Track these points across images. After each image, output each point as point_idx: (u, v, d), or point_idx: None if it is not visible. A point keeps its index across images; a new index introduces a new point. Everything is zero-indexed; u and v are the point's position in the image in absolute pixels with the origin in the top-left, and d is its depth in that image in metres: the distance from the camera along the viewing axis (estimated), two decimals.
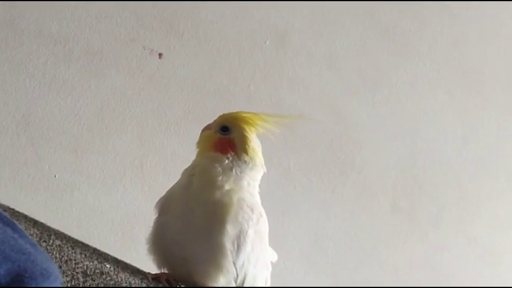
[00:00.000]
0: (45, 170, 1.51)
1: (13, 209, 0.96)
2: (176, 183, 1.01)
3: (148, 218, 1.02)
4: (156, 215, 1.01)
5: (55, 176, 1.52)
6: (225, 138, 1.00)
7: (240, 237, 0.94)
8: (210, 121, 1.03)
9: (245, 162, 0.99)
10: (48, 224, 0.98)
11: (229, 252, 0.94)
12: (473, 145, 1.82)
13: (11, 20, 1.53)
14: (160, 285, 0.93)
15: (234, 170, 0.97)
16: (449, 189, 1.79)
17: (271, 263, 1.06)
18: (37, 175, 1.51)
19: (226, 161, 0.98)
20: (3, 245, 0.53)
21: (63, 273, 0.81)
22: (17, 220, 0.88)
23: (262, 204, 1.01)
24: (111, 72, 1.57)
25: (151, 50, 1.61)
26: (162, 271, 0.99)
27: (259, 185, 1.02)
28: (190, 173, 0.99)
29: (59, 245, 0.87)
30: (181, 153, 1.57)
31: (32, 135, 1.51)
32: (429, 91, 1.79)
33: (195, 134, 1.47)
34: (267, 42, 1.68)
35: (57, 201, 1.51)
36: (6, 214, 0.58)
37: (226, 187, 0.96)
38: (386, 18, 1.78)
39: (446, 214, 1.78)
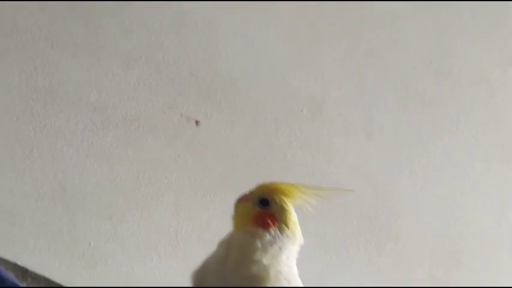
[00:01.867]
0: (80, 237, 1.51)
1: (48, 279, 0.95)
2: (212, 255, 1.00)
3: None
4: (192, 286, 1.00)
5: (90, 243, 1.52)
6: (266, 213, 0.98)
7: None
8: (246, 190, 1.02)
9: (287, 236, 0.97)
10: None
11: None
12: (510, 215, 1.79)
13: (50, 87, 1.55)
14: None
15: (274, 245, 0.96)
16: (486, 260, 1.77)
17: None
18: (72, 243, 1.50)
19: (268, 236, 0.96)
20: None
21: None
22: None
23: (298, 275, 1.00)
24: (148, 139, 1.58)
25: (189, 118, 1.62)
26: None
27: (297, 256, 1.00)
28: (227, 247, 0.97)
29: None
30: (217, 222, 1.56)
31: (67, 202, 1.51)
32: (466, 160, 1.78)
33: (230, 203, 1.46)
34: (304, 111, 1.68)
35: (92, 269, 1.50)
36: None
37: (264, 262, 0.94)
38: (423, 87, 1.77)
39: (484, 285, 1.75)
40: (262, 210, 0.98)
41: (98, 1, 1.60)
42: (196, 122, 1.62)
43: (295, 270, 0.99)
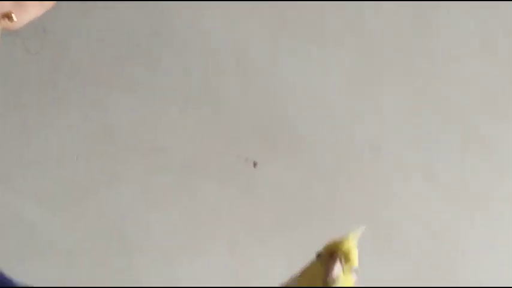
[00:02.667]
0: (138, 281, 1.51)
1: None
2: None
3: None
4: None
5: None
6: None
7: None
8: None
9: None
10: None
11: None
12: None
13: (109, 129, 1.56)
14: None
15: None
16: None
17: None
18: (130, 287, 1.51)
19: None
20: None
21: None
22: None
23: None
24: (205, 181, 1.57)
25: (247, 159, 1.61)
26: None
27: None
28: None
29: None
30: (273, 265, 1.54)
31: (124, 245, 1.52)
32: None
33: (287, 245, 1.44)
34: (363, 155, 1.66)
35: None
36: None
37: None
38: (485, 129, 1.74)
39: None
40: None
41: (158, 41, 1.62)
42: (254, 164, 1.61)
43: None
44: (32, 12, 0.55)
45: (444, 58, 1.75)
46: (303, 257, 0.99)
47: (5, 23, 0.54)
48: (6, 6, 0.53)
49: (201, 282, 1.53)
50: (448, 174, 1.70)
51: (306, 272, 0.92)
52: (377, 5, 1.69)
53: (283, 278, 0.99)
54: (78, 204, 1.53)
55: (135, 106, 1.58)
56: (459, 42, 1.75)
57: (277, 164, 1.63)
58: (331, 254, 0.89)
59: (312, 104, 1.68)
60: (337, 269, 0.87)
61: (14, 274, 0.60)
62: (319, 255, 0.91)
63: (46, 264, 1.55)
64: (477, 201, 1.70)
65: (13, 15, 0.54)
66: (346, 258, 0.88)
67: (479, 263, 1.68)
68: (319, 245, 0.98)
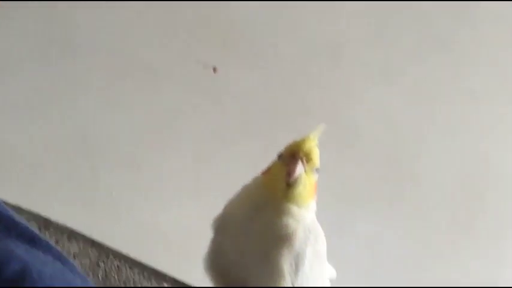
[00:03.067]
0: (102, 187, 1.52)
1: (71, 229, 0.96)
2: (233, 202, 1.00)
3: (205, 235, 1.01)
4: (213, 234, 1.00)
5: (112, 193, 1.53)
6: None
7: (298, 258, 0.93)
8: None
9: None
10: (106, 242, 0.98)
11: (287, 274, 0.92)
12: None
13: (67, 36, 1.54)
14: None
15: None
16: (510, 203, 1.76)
17: (330, 280, 1.05)
18: (94, 193, 1.51)
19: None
20: (51, 280, 0.52)
21: None
22: (76, 240, 0.88)
23: (319, 220, 0.99)
24: (167, 87, 1.57)
25: (206, 64, 1.61)
26: None
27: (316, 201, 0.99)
28: (261, 204, 0.93)
29: (118, 266, 0.87)
30: (237, 168, 1.56)
31: (89, 152, 1.52)
32: (488, 100, 1.76)
33: (250, 150, 1.46)
34: (324, 57, 1.67)
35: (115, 219, 1.51)
36: (58, 247, 0.57)
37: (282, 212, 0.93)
38: (442, 28, 1.75)
39: (507, 229, 1.74)
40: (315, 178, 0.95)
41: None
42: (214, 69, 1.61)
43: (314, 217, 0.98)
44: None
45: None
46: (267, 160, 1.01)
47: None
48: None
49: (167, 186, 1.55)
50: (408, 73, 1.72)
51: (268, 173, 0.94)
52: None
53: (247, 180, 1.01)
54: (41, 113, 1.52)
55: (95, 15, 1.57)
56: None
57: (237, 69, 1.63)
58: (292, 155, 0.91)
59: (270, 7, 1.67)
60: (299, 168, 0.90)
61: None
62: (280, 156, 0.93)
63: (9, 177, 1.55)
64: (435, 98, 1.73)
65: None
66: (308, 158, 0.90)
67: (439, 158, 1.72)
68: (281, 147, 1.00)
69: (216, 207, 1.02)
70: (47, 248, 0.56)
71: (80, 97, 1.53)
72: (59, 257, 0.56)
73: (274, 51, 1.65)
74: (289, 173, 0.90)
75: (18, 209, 0.94)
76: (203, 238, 1.02)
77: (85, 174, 1.51)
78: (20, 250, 0.53)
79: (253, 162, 1.01)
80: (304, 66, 1.66)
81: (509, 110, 1.77)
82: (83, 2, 1.57)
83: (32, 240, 0.55)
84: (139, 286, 0.84)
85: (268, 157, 1.01)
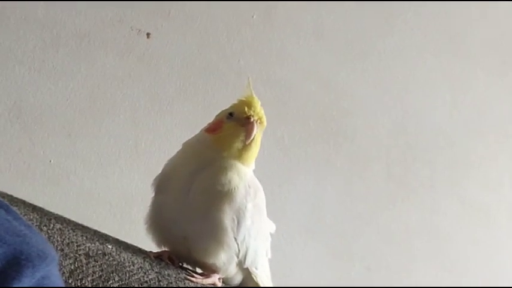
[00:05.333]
0: (40, 155, 1.52)
1: (11, 196, 0.96)
2: (174, 160, 1.01)
3: (145, 198, 1.03)
4: (154, 194, 1.01)
5: (50, 161, 1.52)
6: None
7: (239, 212, 0.95)
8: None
9: None
10: (47, 209, 0.98)
11: (229, 229, 0.95)
12: (463, 108, 1.82)
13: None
14: (163, 264, 0.94)
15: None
16: (441, 153, 1.80)
17: (270, 234, 1.07)
18: (32, 161, 1.51)
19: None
20: None
21: (66, 255, 0.82)
22: (16, 206, 0.88)
23: (259, 177, 1.02)
24: (100, 54, 1.57)
25: (139, 30, 1.61)
26: (164, 249, 1.00)
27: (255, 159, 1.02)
28: (207, 161, 0.97)
29: (60, 229, 0.88)
30: (175, 131, 1.57)
31: (24, 121, 1.51)
32: (417, 56, 1.79)
33: (187, 112, 1.47)
34: (254, 17, 1.68)
35: (54, 186, 1.52)
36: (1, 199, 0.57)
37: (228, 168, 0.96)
38: None
39: (440, 177, 1.79)
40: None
41: None
42: (147, 35, 1.61)
43: (252, 173, 1.01)
44: None
45: None
46: (203, 121, 1.03)
47: None
48: None
49: (105, 153, 1.55)
50: (338, 30, 1.74)
51: (220, 132, 0.97)
52: None
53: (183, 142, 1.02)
54: None
55: None
56: None
57: (170, 33, 1.63)
58: (248, 117, 0.95)
59: None
60: (256, 130, 0.94)
61: None
62: (231, 116, 0.96)
63: None
64: (366, 55, 1.75)
65: None
66: (261, 121, 0.95)
67: (373, 114, 1.75)
68: (217, 109, 1.01)
69: (155, 169, 1.03)
70: None
71: (13, 67, 1.52)
72: (1, 206, 0.56)
73: (206, 15, 1.65)
74: (248, 134, 0.95)
75: None
76: (143, 200, 1.04)
77: (22, 143, 1.51)
78: None
79: (189, 124, 1.03)
80: (236, 28, 1.67)
81: (437, 62, 1.80)
82: None
83: None
84: (83, 247, 0.85)
85: (205, 118, 1.03)
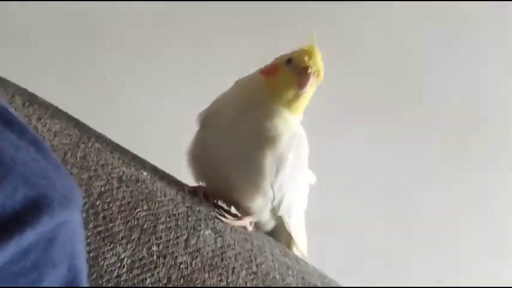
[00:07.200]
0: (96, 71, 1.52)
1: (56, 107, 0.95)
2: (224, 97, 1.00)
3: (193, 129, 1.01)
4: (199, 128, 1.00)
5: (106, 78, 1.52)
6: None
7: (280, 160, 0.94)
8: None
9: None
10: (93, 125, 0.97)
11: (267, 175, 0.93)
12: None
13: None
14: (196, 199, 0.93)
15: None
16: (505, 127, 1.75)
17: (310, 185, 1.06)
18: (88, 75, 1.51)
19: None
20: (24, 166, 0.49)
21: (98, 176, 0.81)
22: (59, 119, 0.87)
23: (309, 125, 0.99)
24: None
25: None
26: (200, 184, 0.99)
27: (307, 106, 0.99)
28: (257, 103, 0.94)
29: (98, 148, 0.87)
30: (234, 64, 1.55)
31: (86, 34, 1.51)
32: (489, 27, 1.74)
33: (250, 44, 1.43)
34: None
35: (107, 104, 1.52)
36: (34, 132, 0.54)
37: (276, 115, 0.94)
38: None
39: (500, 153, 1.74)
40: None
41: None
42: None
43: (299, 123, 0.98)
44: None
45: None
46: (260, 61, 0.99)
47: None
48: None
49: (162, 75, 1.55)
50: None
51: (275, 76, 0.94)
52: None
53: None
54: None
55: None
56: None
57: None
58: (305, 67, 0.92)
59: None
60: (311, 82, 0.91)
61: None
62: (289, 62, 0.93)
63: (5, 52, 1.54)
64: (442, 19, 1.70)
65: None
66: (318, 74, 0.92)
67: (441, 80, 1.70)
68: (267, 49, 0.98)
69: (209, 99, 1.01)
70: (22, 132, 0.53)
71: None
72: (33, 142, 0.53)
73: None
74: (302, 84, 0.91)
75: (5, 81, 0.92)
76: (191, 132, 1.02)
77: (80, 56, 1.50)
78: None
79: (247, 63, 0.99)
80: None
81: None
82: None
83: (7, 121, 0.52)
84: (117, 170, 0.84)
85: (262, 59, 0.99)
